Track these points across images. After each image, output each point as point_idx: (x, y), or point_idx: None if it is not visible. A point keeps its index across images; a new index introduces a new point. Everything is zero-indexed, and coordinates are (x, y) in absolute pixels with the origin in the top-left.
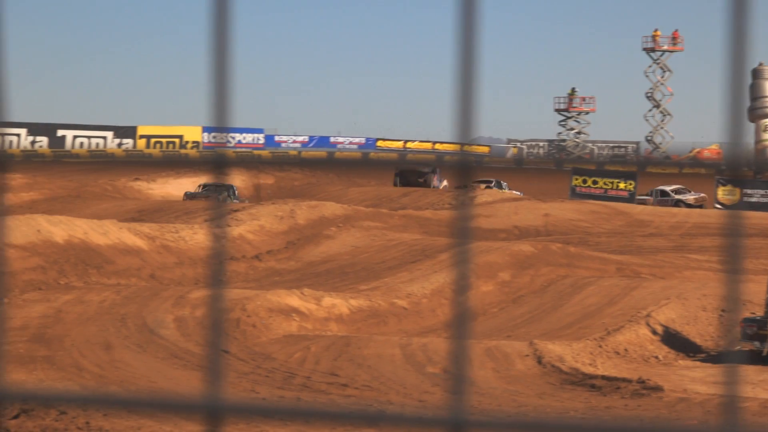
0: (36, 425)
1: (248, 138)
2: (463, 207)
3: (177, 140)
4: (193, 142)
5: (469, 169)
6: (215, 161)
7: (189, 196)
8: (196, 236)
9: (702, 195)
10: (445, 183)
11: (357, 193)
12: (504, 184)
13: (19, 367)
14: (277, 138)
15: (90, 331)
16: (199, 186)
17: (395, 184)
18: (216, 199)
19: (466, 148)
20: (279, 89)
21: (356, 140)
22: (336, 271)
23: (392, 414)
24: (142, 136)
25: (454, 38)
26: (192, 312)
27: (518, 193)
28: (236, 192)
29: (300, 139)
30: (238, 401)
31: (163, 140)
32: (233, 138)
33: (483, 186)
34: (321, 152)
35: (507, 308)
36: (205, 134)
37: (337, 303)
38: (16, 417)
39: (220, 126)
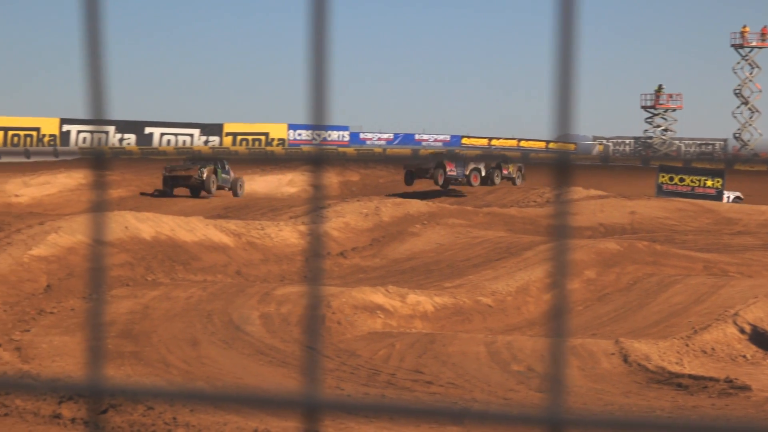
0: (123, 420)
1: (333, 135)
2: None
3: (263, 137)
4: (279, 139)
5: (567, 167)
6: (316, 158)
7: (169, 169)
8: (281, 233)
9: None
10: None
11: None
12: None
13: (106, 362)
14: (362, 135)
15: (177, 327)
16: (185, 160)
17: (406, 183)
18: (198, 173)
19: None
20: (364, 86)
21: (441, 137)
22: (421, 268)
23: (493, 412)
24: (228, 134)
25: (551, 37)
26: (277, 309)
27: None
28: (226, 167)
29: (385, 136)
30: (335, 398)
31: (249, 137)
32: (318, 135)
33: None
34: (405, 149)
35: (592, 306)
36: (291, 131)
37: (422, 300)
38: (104, 412)
39: (318, 124)
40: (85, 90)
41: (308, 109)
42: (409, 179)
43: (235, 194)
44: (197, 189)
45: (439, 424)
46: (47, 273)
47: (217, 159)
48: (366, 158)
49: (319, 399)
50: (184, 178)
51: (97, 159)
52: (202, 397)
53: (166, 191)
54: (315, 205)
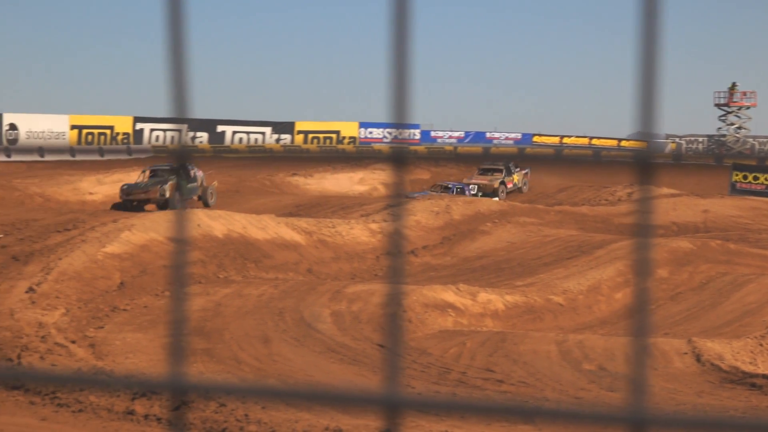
0: (196, 417)
1: (405, 133)
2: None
3: (334, 136)
4: (350, 137)
5: (648, 166)
6: (395, 156)
7: (126, 191)
8: (352, 231)
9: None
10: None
11: None
12: (514, 167)
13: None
14: (433, 133)
15: (248, 324)
16: (144, 171)
17: None
18: (160, 193)
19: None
20: (435, 84)
21: (512, 136)
22: (491, 266)
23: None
24: (299, 132)
25: (635, 33)
26: (348, 306)
27: (524, 170)
28: (193, 173)
29: (456, 134)
30: (415, 396)
31: (321, 135)
32: (390, 133)
33: (491, 176)
34: (476, 147)
35: (665, 305)
36: (362, 129)
37: (493, 299)
38: (176, 409)
39: (400, 122)
40: (169, 89)
41: (389, 108)
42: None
43: (206, 204)
44: (163, 207)
45: (510, 422)
46: (120, 270)
47: (180, 167)
48: (438, 156)
49: (400, 397)
50: (143, 201)
51: (181, 156)
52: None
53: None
54: (395, 203)
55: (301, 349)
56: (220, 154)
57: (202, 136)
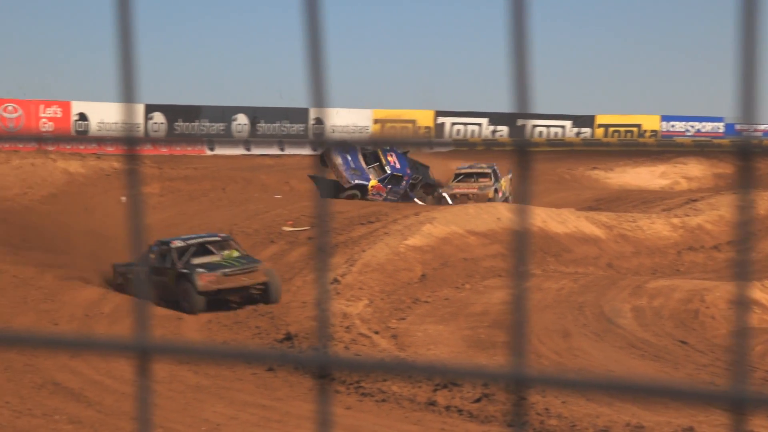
0: (496, 410)
1: (707, 127)
2: None
3: (635, 129)
4: (651, 131)
5: (750, 153)
6: (741, 149)
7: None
8: (653, 226)
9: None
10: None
11: None
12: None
13: (479, 351)
14: (737, 126)
15: (548, 318)
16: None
17: None
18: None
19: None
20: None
21: None
22: None
23: None
24: (600, 125)
25: None
26: (649, 302)
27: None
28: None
29: (762, 127)
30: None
31: (621, 129)
32: (692, 126)
33: (477, 182)
34: None
35: None
36: (664, 123)
37: None
38: (477, 401)
39: (747, 120)
40: (512, 86)
41: (738, 103)
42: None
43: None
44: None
45: None
46: (422, 263)
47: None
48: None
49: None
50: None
51: (523, 150)
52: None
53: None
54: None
55: (601, 344)
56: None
57: (503, 130)
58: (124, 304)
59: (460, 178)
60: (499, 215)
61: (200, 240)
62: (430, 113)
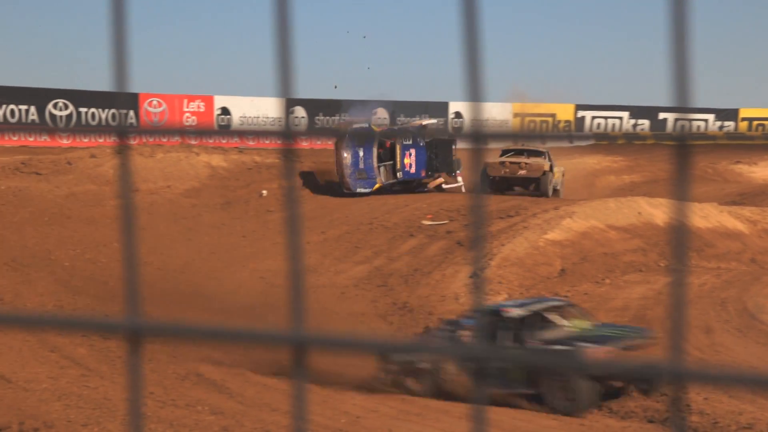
0: (637, 405)
1: None
2: None
3: None
4: None
5: None
6: None
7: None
8: None
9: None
10: (440, 180)
11: None
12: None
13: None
14: None
15: (690, 313)
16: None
17: None
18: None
19: None
20: None
21: None
22: None
23: None
24: (743, 119)
25: None
26: None
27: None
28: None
29: None
30: None
31: (766, 123)
32: None
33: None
34: None
35: None
36: None
37: None
38: (616, 397)
39: None
40: (672, 81)
41: None
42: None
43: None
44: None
45: None
46: (561, 257)
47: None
48: None
49: None
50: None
51: (683, 144)
52: None
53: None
54: None
55: (744, 340)
56: (660, 141)
57: (644, 124)
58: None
59: (509, 153)
60: (640, 209)
61: (541, 306)
62: (571, 107)
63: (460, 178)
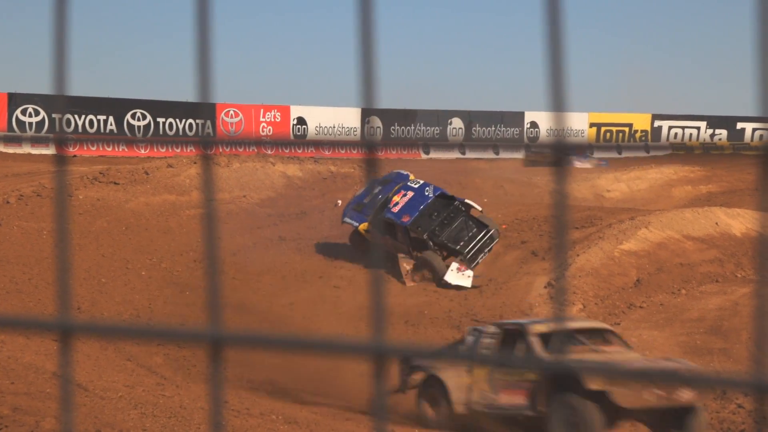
0: (712, 417)
1: None
2: None
3: None
4: None
5: None
6: None
7: None
8: None
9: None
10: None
11: None
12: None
13: (695, 358)
14: None
15: (766, 324)
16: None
17: None
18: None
19: None
20: None
21: None
22: None
23: None
24: None
25: None
26: None
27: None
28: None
29: None
30: None
31: None
32: None
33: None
34: None
35: None
36: None
37: None
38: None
39: None
40: (758, 90)
41: None
42: None
43: None
44: None
45: None
46: (637, 267)
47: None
48: None
49: None
50: None
51: (767, 156)
52: None
53: None
54: None
55: None
56: (738, 151)
57: (721, 134)
58: None
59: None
60: (717, 220)
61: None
62: (647, 116)
63: (470, 273)
